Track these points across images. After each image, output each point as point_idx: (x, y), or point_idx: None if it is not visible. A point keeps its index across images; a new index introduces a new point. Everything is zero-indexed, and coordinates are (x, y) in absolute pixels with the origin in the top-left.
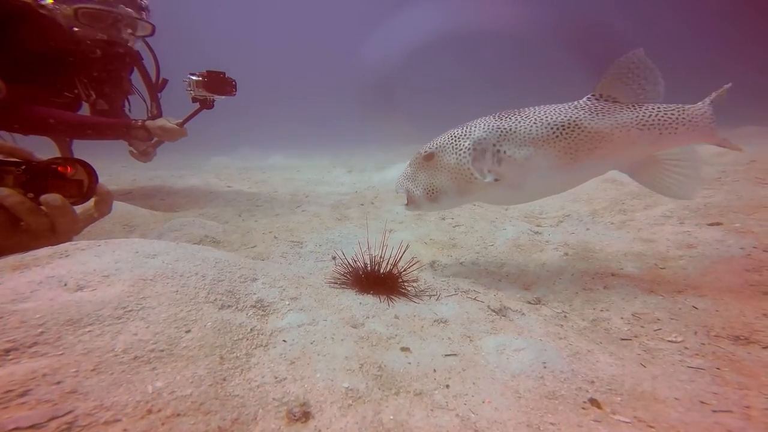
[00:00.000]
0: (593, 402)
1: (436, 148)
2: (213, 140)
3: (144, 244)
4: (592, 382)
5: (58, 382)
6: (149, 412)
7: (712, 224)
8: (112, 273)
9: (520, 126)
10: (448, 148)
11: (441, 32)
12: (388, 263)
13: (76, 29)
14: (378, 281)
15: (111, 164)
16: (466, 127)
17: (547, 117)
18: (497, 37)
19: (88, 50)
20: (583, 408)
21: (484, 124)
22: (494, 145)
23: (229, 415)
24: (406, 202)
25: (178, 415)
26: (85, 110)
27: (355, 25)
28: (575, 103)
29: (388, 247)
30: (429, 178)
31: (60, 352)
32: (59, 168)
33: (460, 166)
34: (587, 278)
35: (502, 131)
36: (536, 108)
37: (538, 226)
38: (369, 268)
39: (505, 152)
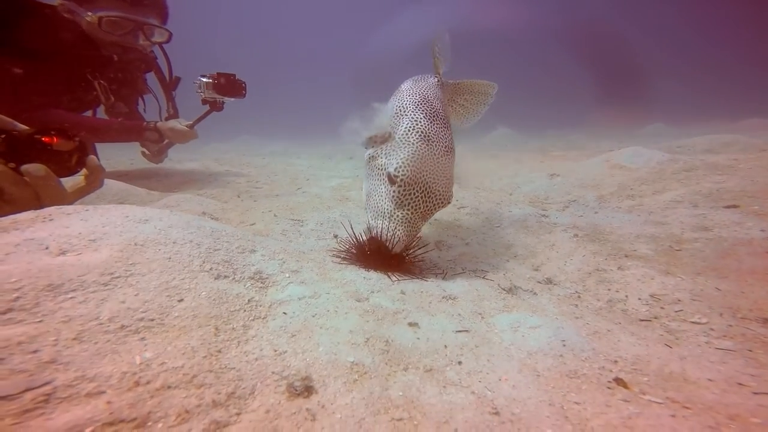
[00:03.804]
0: (619, 381)
1: (452, 192)
2: (214, 127)
3: (135, 209)
4: (615, 361)
5: (35, 351)
6: (137, 384)
7: (728, 207)
8: (99, 237)
9: (440, 113)
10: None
11: (440, 26)
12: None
13: (93, 34)
14: (383, 258)
15: (108, 146)
16: (453, 155)
17: (437, 96)
18: (495, 35)
19: (107, 54)
20: (609, 387)
21: (438, 130)
22: None
23: (224, 389)
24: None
25: (169, 387)
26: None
27: (359, 15)
28: (439, 83)
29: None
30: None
31: (38, 320)
32: (44, 138)
33: None
34: (600, 259)
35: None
36: (426, 84)
37: (544, 210)
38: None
39: None
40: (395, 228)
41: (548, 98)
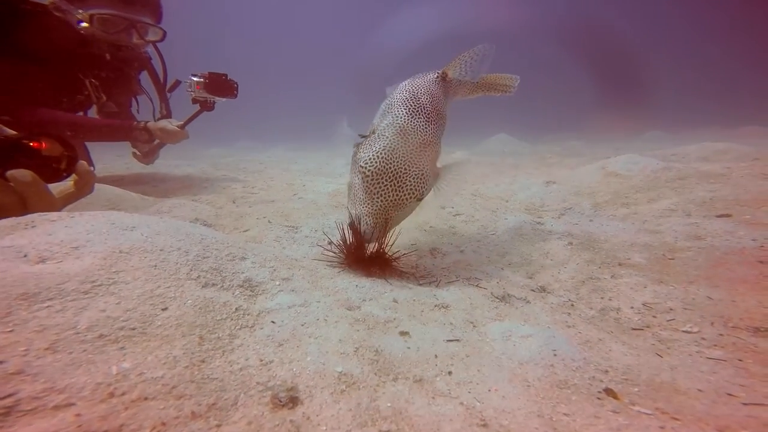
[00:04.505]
0: (609, 392)
1: (428, 188)
2: (211, 132)
3: (122, 216)
4: (606, 371)
5: (1, 362)
6: (111, 395)
7: (720, 216)
8: (82, 244)
9: (442, 128)
10: (432, 175)
11: (438, 28)
12: (386, 245)
13: (87, 33)
14: (374, 262)
15: (105, 153)
16: (433, 149)
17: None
18: (493, 39)
19: (99, 53)
20: (599, 398)
21: (438, 142)
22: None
23: (205, 400)
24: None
25: (146, 398)
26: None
27: (356, 19)
28: (438, 78)
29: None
30: (411, 210)
31: (8, 329)
32: (32, 143)
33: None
34: (593, 267)
35: (440, 137)
36: (422, 80)
37: (539, 217)
38: (363, 249)
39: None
40: (366, 218)
41: (547, 104)
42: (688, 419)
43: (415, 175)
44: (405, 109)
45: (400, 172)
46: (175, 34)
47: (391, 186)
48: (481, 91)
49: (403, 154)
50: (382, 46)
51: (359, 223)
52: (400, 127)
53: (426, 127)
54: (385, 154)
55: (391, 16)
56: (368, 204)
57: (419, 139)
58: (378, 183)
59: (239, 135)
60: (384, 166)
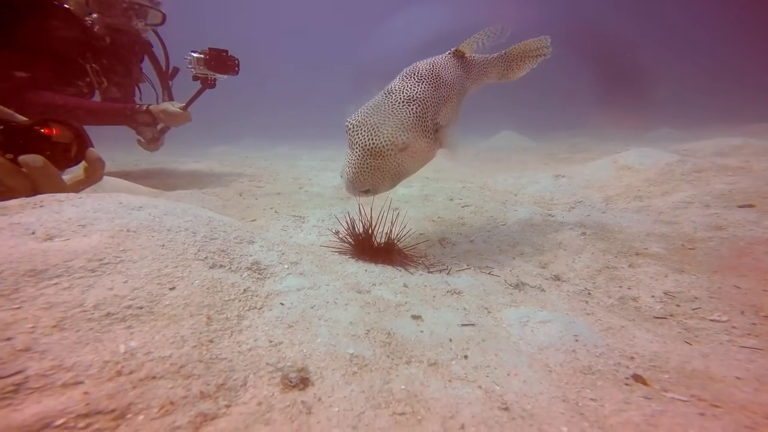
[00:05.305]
0: (637, 378)
1: (409, 138)
2: (217, 130)
3: (130, 197)
4: (632, 357)
5: (9, 339)
6: (118, 373)
7: (742, 206)
8: (89, 223)
9: (441, 92)
10: (419, 130)
11: (441, 27)
12: (394, 235)
13: (87, 18)
14: (383, 251)
15: (113, 149)
16: (420, 105)
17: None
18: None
19: (99, 38)
20: (627, 384)
21: (430, 100)
22: (436, 115)
23: (213, 380)
24: (355, 196)
25: (153, 377)
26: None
27: (361, 15)
28: (450, 55)
29: (395, 224)
30: (399, 165)
31: (16, 306)
32: (44, 130)
33: (430, 146)
34: (609, 257)
35: (438, 100)
36: (431, 58)
37: (549, 210)
38: (371, 236)
39: (440, 123)
40: (346, 168)
41: (553, 101)
42: (729, 407)
43: (394, 124)
44: (399, 77)
45: (379, 122)
46: (179, 32)
47: (368, 135)
48: (517, 64)
49: (384, 108)
50: (390, 40)
51: (342, 176)
52: (387, 89)
53: (415, 86)
54: (366, 109)
55: (398, 10)
56: (349, 155)
57: (404, 95)
58: (357, 134)
59: (244, 132)
60: (363, 119)
